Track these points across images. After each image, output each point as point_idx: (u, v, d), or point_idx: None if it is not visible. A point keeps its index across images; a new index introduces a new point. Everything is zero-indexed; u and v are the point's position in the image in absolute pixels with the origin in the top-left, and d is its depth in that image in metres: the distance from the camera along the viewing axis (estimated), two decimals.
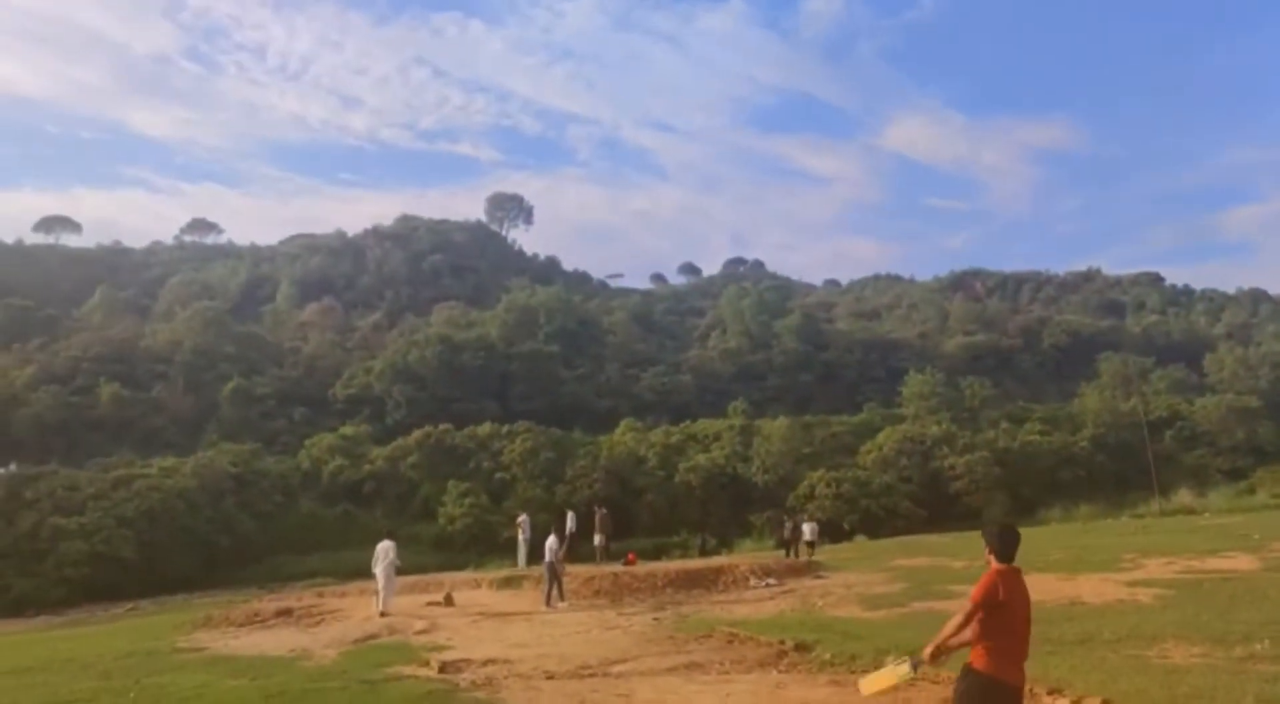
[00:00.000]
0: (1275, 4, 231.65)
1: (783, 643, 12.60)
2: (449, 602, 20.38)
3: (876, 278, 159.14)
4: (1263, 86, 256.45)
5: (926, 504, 59.13)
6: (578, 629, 15.93)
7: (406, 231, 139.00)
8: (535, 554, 27.21)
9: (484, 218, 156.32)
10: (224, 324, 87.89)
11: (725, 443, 66.23)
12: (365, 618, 18.61)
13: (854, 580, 21.42)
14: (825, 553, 30.04)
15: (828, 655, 11.48)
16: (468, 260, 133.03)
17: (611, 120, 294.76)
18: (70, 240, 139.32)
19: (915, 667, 5.74)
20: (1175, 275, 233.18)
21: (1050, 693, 7.92)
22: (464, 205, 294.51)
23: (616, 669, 11.74)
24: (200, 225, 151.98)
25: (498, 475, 62.91)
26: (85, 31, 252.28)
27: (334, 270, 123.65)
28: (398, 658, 13.15)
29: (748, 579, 22.54)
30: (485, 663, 12.58)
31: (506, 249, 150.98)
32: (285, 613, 20.80)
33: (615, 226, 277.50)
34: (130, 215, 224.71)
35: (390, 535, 20.39)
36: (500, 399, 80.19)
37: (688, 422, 73.40)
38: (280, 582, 44.85)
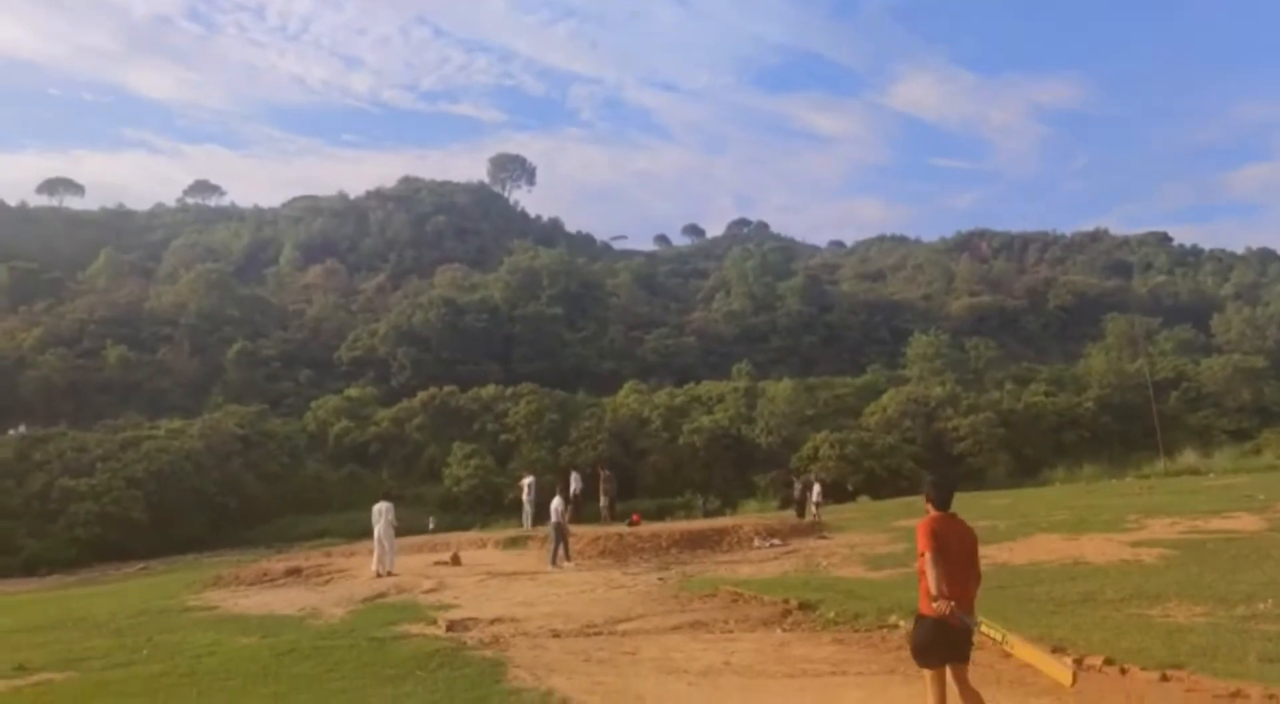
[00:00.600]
0: None
1: (786, 602, 12.69)
2: (456, 561, 20.56)
3: (882, 239, 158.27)
4: (1274, 43, 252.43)
5: (930, 465, 59.18)
6: (583, 589, 16.08)
7: (409, 193, 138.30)
8: (540, 515, 27.40)
9: (487, 179, 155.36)
10: (228, 287, 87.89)
11: (729, 405, 66.39)
12: (372, 578, 18.80)
13: (857, 541, 21.56)
14: (829, 514, 30.19)
15: (831, 614, 11.56)
16: (470, 222, 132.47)
17: (615, 80, 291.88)
18: (73, 203, 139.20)
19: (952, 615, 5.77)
20: (1183, 235, 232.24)
21: (1053, 651, 7.97)
22: (466, 166, 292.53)
23: (622, 628, 11.84)
24: (203, 187, 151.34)
25: (502, 437, 63.26)
26: None
27: (337, 232, 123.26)
28: (405, 617, 13.28)
29: (751, 540, 22.68)
30: (492, 621, 12.70)
31: (509, 211, 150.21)
32: (294, 572, 21.03)
33: (619, 188, 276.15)
34: (133, 178, 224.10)
35: (387, 496, 20.45)
36: (504, 361, 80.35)
37: (692, 384, 73.58)
38: (288, 542, 45.39)
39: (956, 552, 5.96)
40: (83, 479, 49.69)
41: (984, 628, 5.95)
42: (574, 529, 22.80)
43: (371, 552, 19.78)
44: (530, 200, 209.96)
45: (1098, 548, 16.33)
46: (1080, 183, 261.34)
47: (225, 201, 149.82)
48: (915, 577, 6.21)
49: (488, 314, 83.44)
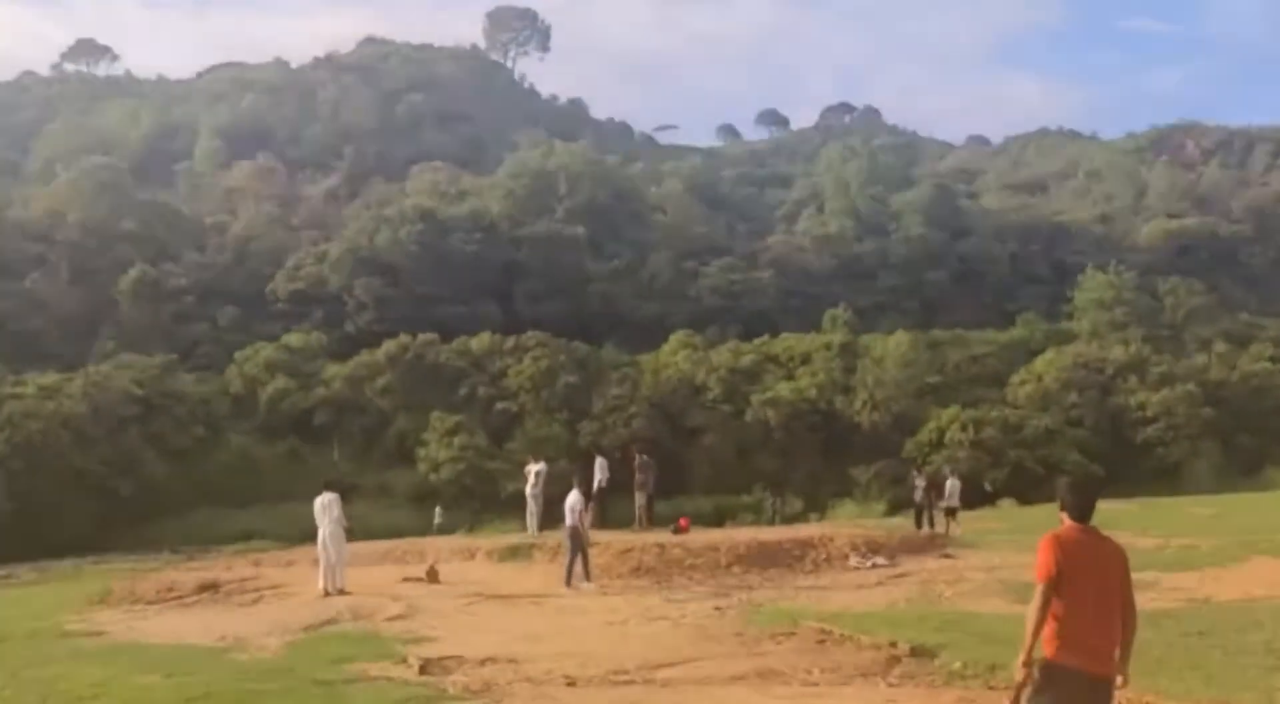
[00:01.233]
0: None
1: (894, 645, 12.66)
2: (433, 577, 20.78)
3: (1043, 134, 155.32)
4: None
5: (1104, 457, 58.85)
6: (610, 619, 16.15)
7: (374, 62, 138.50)
8: (551, 515, 27.53)
9: (482, 42, 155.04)
10: (123, 189, 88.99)
11: (818, 367, 66.21)
12: (318, 597, 19.09)
13: (996, 561, 21.45)
14: (958, 522, 30.09)
15: (957, 664, 11.51)
16: (459, 104, 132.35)
17: None
18: None
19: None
20: None
21: None
22: (454, 25, 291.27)
23: (662, 675, 11.89)
24: (88, 49, 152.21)
25: (499, 406, 63.73)
26: None
27: (273, 115, 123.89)
28: (363, 652, 13.43)
29: (846, 556, 22.65)
30: (483, 662, 12.79)
31: (513, 88, 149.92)
32: (211, 587, 21.40)
33: (667, 57, 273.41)
34: None
35: (330, 486, 20.57)
36: (503, 300, 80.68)
37: (765, 337, 73.43)
38: (203, 544, 46.26)
39: (1092, 580, 6.15)
40: None
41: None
42: (598, 537, 22.91)
43: (318, 562, 20.03)
44: (543, 74, 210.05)
45: None
46: None
47: (119, 70, 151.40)
48: None
49: (481, 234, 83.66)
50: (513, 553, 24.36)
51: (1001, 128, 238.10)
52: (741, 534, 27.12)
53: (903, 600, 17.05)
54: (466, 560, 24.25)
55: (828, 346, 68.85)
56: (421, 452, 59.33)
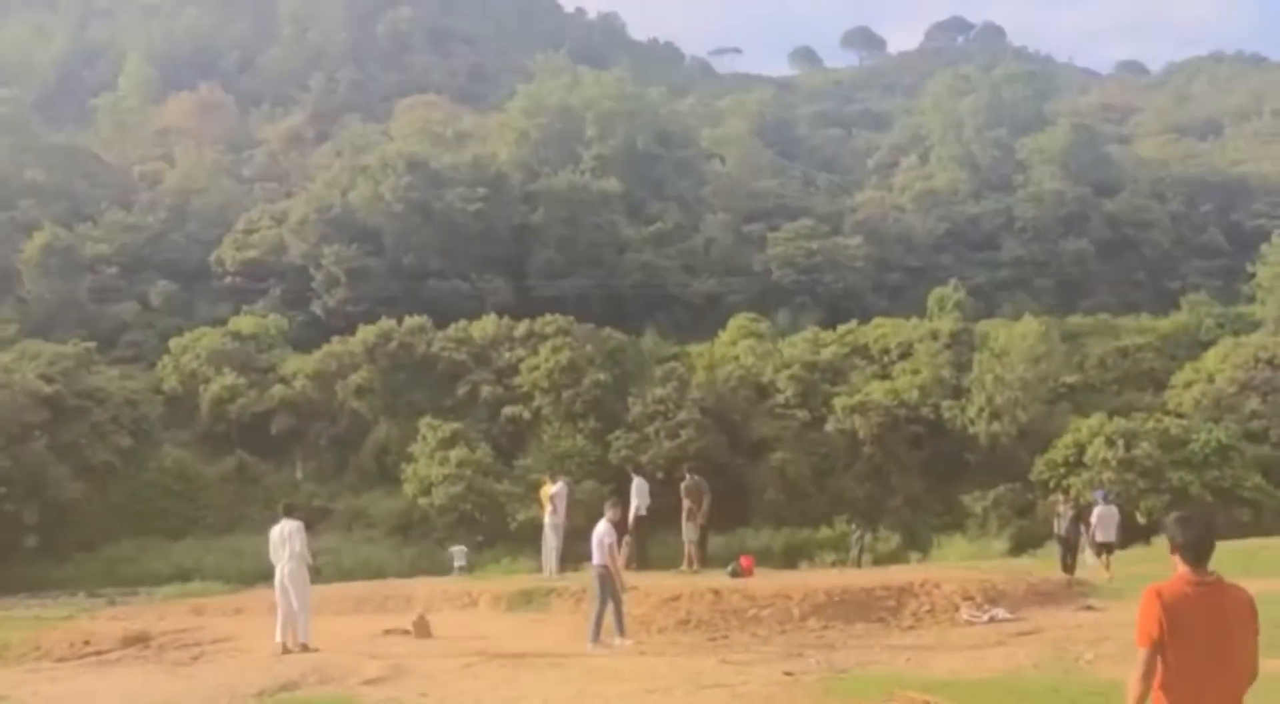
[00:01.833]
0: None
1: None
2: (422, 630, 20.89)
3: (1216, 60, 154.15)
4: None
5: None
6: (650, 687, 16.16)
7: None
8: (574, 551, 27.58)
9: None
10: (26, 129, 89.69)
11: (921, 362, 65.98)
12: (274, 654, 19.21)
13: None
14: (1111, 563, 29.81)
15: None
16: (458, 19, 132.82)
17: None
18: None
19: None
20: None
21: None
22: None
23: None
24: None
25: (508, 411, 63.86)
26: None
27: (220, 35, 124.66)
28: None
29: (956, 607, 22.58)
30: None
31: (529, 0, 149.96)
32: (139, 641, 21.59)
33: None
34: None
35: (291, 512, 20.62)
36: (514, 274, 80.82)
37: (853, 323, 73.26)
38: (129, 586, 46.50)
39: (1207, 641, 6.25)
40: None
41: None
42: (635, 579, 22.93)
43: (274, 609, 20.15)
44: None
45: None
46: None
47: None
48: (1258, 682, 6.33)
49: (486, 189, 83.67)
50: (525, 599, 24.45)
51: (1162, 52, 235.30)
52: (820, 578, 27.12)
53: (1030, 665, 16.99)
54: (465, 608, 24.37)
55: (934, 336, 68.50)
56: (408, 469, 59.35)
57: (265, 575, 24.64)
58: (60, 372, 61.39)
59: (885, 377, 65.95)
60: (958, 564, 34.47)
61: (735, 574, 26.25)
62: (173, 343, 68.50)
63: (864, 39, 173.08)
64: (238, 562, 46.41)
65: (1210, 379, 63.61)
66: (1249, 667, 6.35)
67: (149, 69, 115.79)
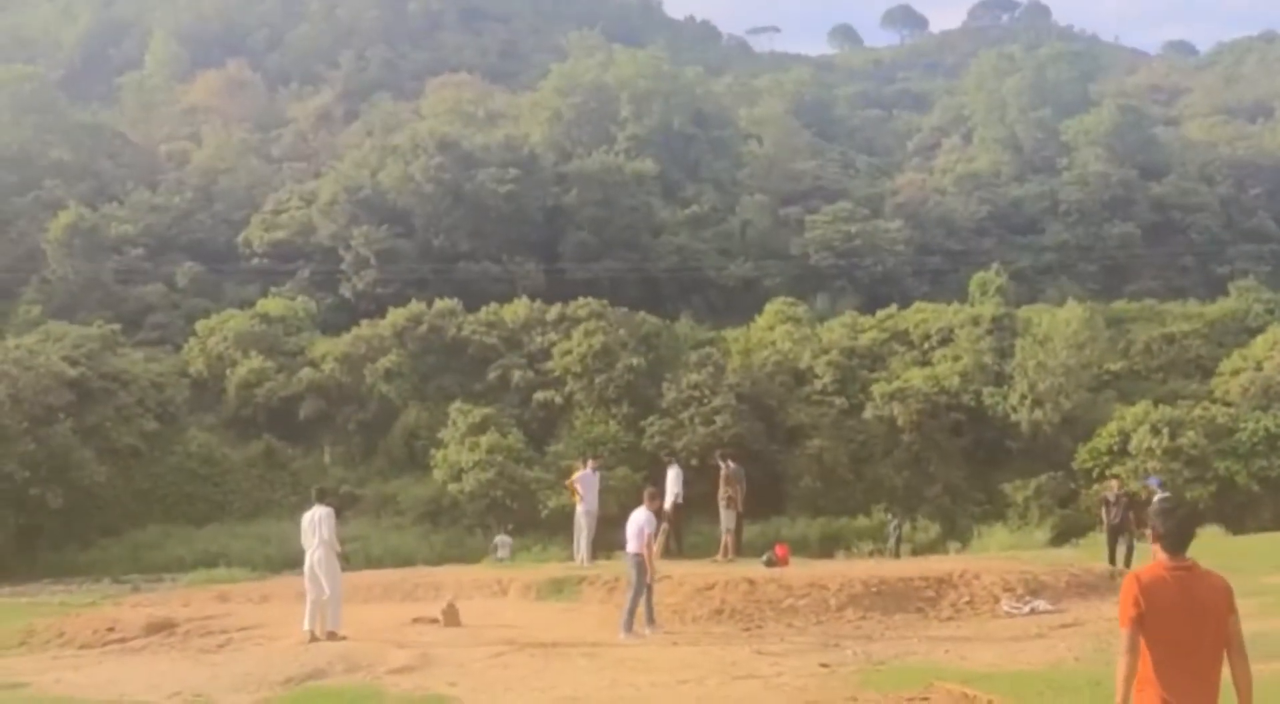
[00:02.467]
0: None
1: None
2: (452, 619, 20.86)
3: (1268, 39, 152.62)
4: None
5: None
6: (683, 677, 16.12)
7: None
8: (606, 539, 27.54)
9: None
10: (51, 107, 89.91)
11: (962, 348, 65.77)
12: (301, 641, 19.24)
13: None
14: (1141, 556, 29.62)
15: None
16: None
17: None
18: None
19: None
20: None
21: None
22: None
23: None
24: None
25: (540, 396, 63.90)
26: None
27: (248, 12, 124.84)
28: None
29: (996, 599, 22.47)
30: None
31: None
32: (163, 628, 21.63)
33: None
34: None
35: (324, 497, 20.64)
36: (546, 256, 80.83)
37: (893, 308, 73.12)
38: (154, 572, 46.75)
39: (1183, 626, 6.64)
40: None
41: None
42: (669, 568, 22.88)
43: (303, 596, 20.16)
44: None
45: None
46: None
47: None
48: None
49: (518, 170, 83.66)
50: (556, 588, 24.42)
51: (1211, 32, 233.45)
52: (857, 568, 26.97)
53: (1071, 658, 16.86)
54: (496, 597, 24.34)
55: (975, 321, 68.24)
56: (438, 455, 59.49)
57: (292, 562, 24.69)
58: (85, 354, 61.64)
59: (925, 363, 65.83)
60: (998, 554, 34.33)
61: (770, 563, 26.17)
62: (199, 325, 68.68)
63: (905, 17, 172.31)
64: (264, 548, 46.68)
65: (1259, 366, 63.15)
66: (1221, 646, 6.72)
67: (176, 47, 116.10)
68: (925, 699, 14.23)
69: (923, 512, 55.96)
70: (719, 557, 27.97)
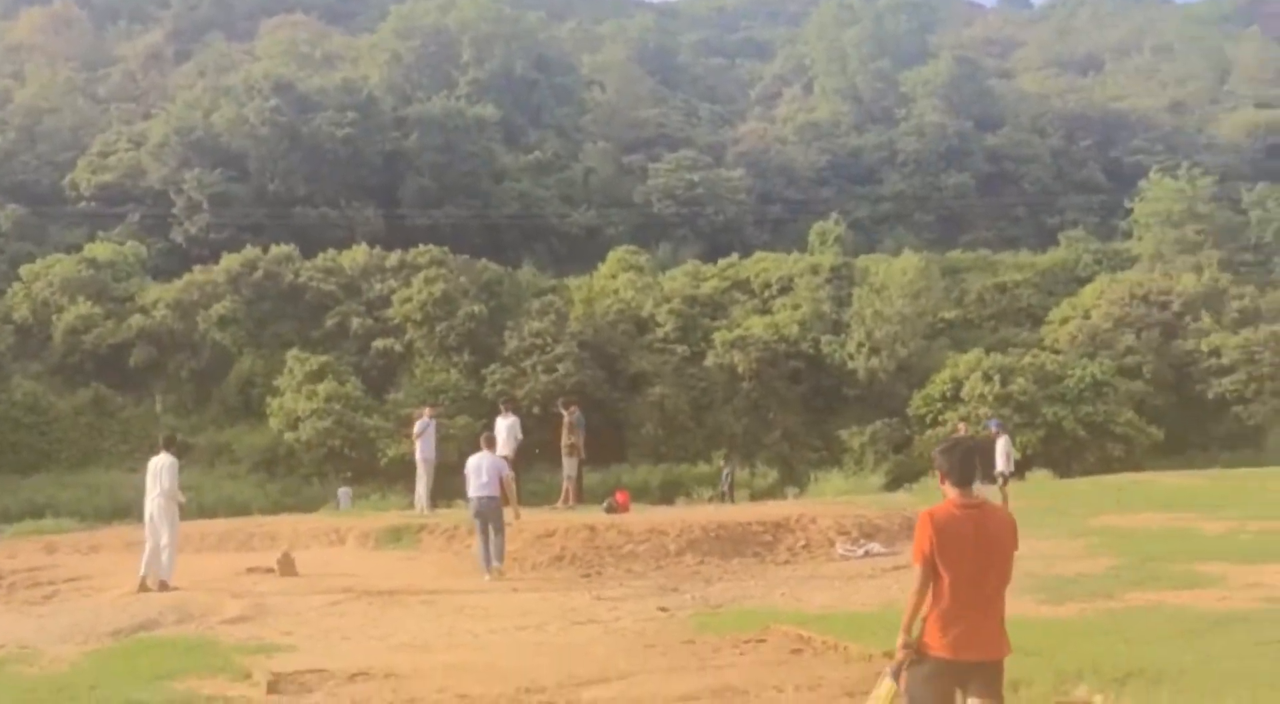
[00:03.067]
0: None
1: (890, 656, 12.78)
2: (287, 568, 20.69)
3: None
4: None
5: (1167, 416, 59.77)
6: (522, 623, 16.19)
7: None
8: (447, 486, 27.52)
9: None
10: None
11: (802, 297, 66.49)
12: (131, 592, 18.97)
13: (1025, 549, 21.49)
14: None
15: None
16: None
17: None
18: None
19: (896, 677, 7.29)
20: None
21: None
22: None
23: (588, 695, 11.90)
24: None
25: (379, 344, 63.34)
26: None
27: None
28: (192, 664, 13.31)
29: (832, 542, 22.88)
30: (352, 678, 12.74)
31: None
32: None
33: None
34: None
35: (169, 445, 20.38)
36: (386, 202, 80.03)
37: (734, 256, 73.65)
38: None
39: (973, 559, 7.05)
40: None
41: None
42: (505, 516, 22.95)
43: (130, 544, 19.88)
44: None
45: None
46: None
47: None
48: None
49: (357, 113, 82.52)
50: (395, 536, 24.32)
51: None
52: (697, 514, 27.27)
53: (904, 599, 17.20)
54: (333, 546, 24.19)
55: (814, 270, 68.98)
56: (274, 403, 58.78)
57: (123, 511, 24.26)
58: None
59: (765, 311, 66.42)
60: (834, 499, 34.74)
61: (611, 510, 26.38)
62: (23, 270, 66.69)
63: None
64: (93, 498, 45.86)
65: (1086, 315, 64.80)
66: (1006, 577, 7.16)
67: None
68: (762, 641, 14.43)
69: (761, 458, 56.71)
70: (560, 503, 28.20)
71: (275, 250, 66.99)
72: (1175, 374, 62.57)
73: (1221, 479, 38.45)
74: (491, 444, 22.03)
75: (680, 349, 63.58)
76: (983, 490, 29.29)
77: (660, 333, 64.65)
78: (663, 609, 17.12)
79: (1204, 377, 62.06)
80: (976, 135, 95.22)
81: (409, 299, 63.78)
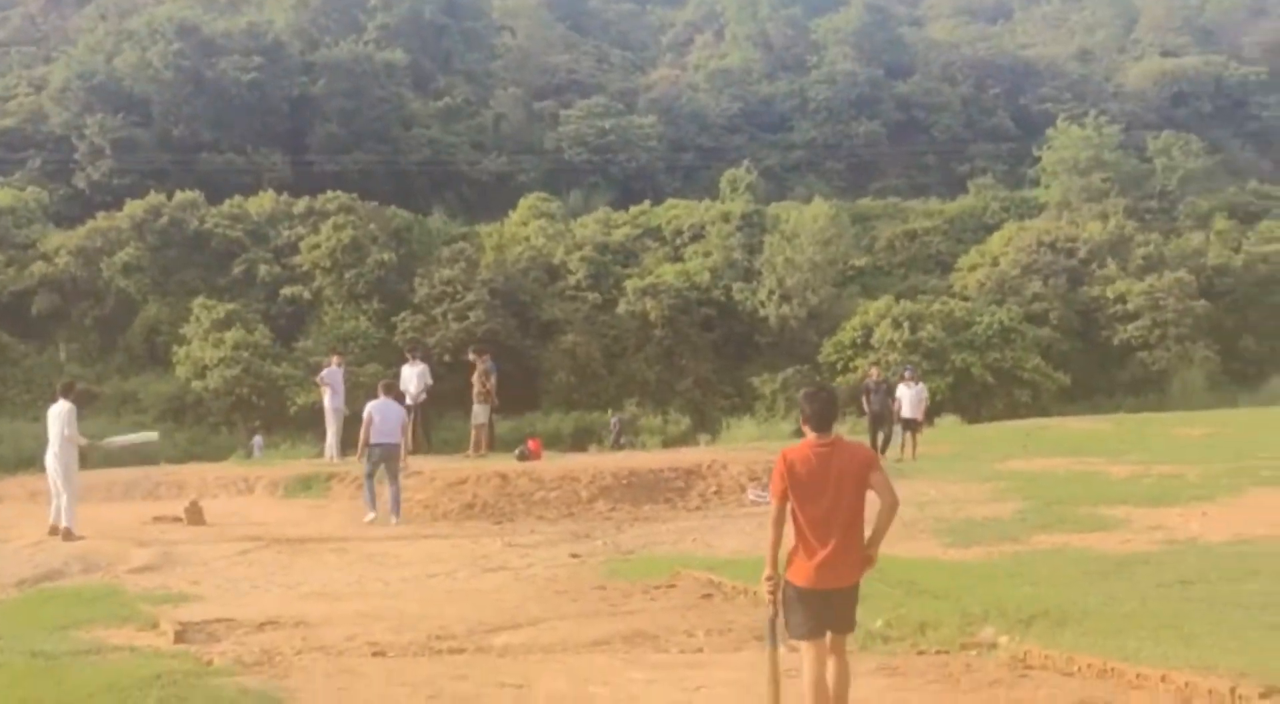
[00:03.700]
0: None
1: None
2: (195, 517, 20.58)
3: None
4: None
5: (1073, 362, 60.67)
6: (432, 571, 16.23)
7: None
8: (356, 434, 27.44)
9: None
10: None
11: (713, 244, 66.63)
12: (37, 541, 18.77)
13: (932, 494, 21.97)
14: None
15: (878, 623, 11.69)
16: None
17: None
18: None
19: (774, 642, 7.82)
20: None
21: (1263, 696, 8.25)
22: None
23: (500, 641, 11.94)
24: None
25: (287, 291, 62.91)
26: None
27: None
28: (98, 614, 13.22)
29: (743, 489, 23.04)
30: (261, 626, 12.72)
31: None
32: None
33: None
34: None
35: (67, 392, 20.14)
36: (293, 148, 79.15)
37: (645, 204, 73.65)
38: None
39: (826, 495, 7.57)
40: None
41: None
42: (418, 463, 22.91)
43: (34, 494, 19.67)
44: None
45: None
46: None
47: None
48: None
49: (263, 58, 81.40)
50: (304, 485, 24.27)
51: None
52: (608, 461, 27.40)
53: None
54: (242, 494, 24.11)
55: (726, 218, 69.11)
56: (180, 351, 58.28)
57: (27, 461, 23.96)
58: None
59: (677, 259, 66.53)
60: (746, 445, 35.04)
61: (523, 457, 26.43)
62: None
63: None
64: None
65: (994, 262, 65.46)
66: (858, 508, 7.64)
67: None
68: (672, 586, 14.56)
69: (674, 405, 56.93)
70: (471, 452, 28.13)
71: (180, 197, 66.00)
72: (1081, 320, 63.42)
73: (1126, 424, 39.05)
74: (391, 390, 22.07)
75: (592, 297, 63.57)
76: (898, 437, 29.78)
77: (572, 280, 64.56)
78: (574, 555, 17.23)
79: (1109, 323, 62.96)
80: (887, 83, 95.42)
81: (317, 246, 63.31)
